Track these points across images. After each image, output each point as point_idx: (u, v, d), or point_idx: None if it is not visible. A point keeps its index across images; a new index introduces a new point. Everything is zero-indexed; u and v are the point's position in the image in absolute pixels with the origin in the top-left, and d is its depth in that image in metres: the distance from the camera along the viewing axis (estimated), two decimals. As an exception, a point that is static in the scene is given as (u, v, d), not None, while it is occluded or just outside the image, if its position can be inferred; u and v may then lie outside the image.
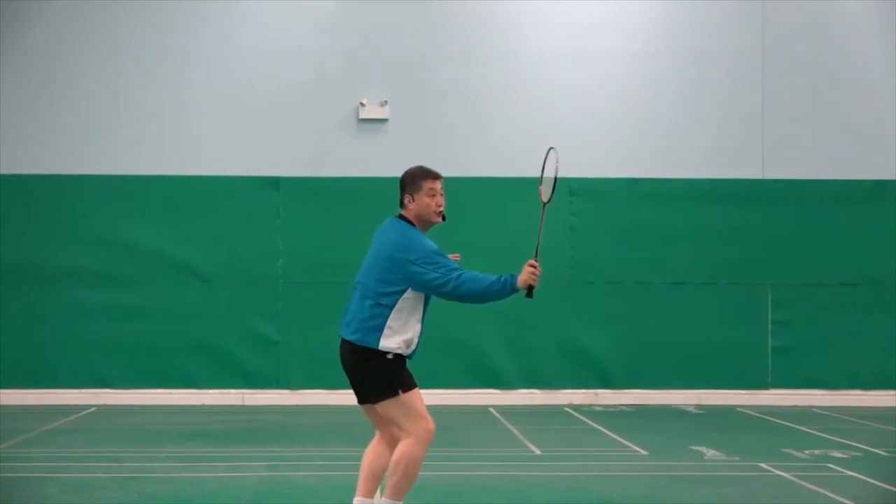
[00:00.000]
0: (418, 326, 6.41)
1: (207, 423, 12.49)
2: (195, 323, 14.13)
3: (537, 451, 10.50)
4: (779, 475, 9.21)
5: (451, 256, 6.45)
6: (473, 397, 14.17)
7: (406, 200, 6.52)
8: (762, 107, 14.67)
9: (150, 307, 14.10)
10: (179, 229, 14.21)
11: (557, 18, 14.63)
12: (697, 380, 14.40)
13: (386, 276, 6.34)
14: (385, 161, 13.97)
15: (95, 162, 14.25)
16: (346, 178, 14.30)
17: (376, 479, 6.54)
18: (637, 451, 10.48)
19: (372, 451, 6.56)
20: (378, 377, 6.33)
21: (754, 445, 10.80)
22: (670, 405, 14.18)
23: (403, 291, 6.33)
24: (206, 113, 14.42)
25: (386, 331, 6.30)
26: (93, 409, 13.58)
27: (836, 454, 10.27)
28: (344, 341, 6.42)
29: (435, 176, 6.54)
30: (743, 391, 14.43)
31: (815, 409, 13.92)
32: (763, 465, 9.69)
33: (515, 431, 11.80)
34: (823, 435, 11.55)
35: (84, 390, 14.01)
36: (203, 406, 13.91)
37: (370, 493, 6.51)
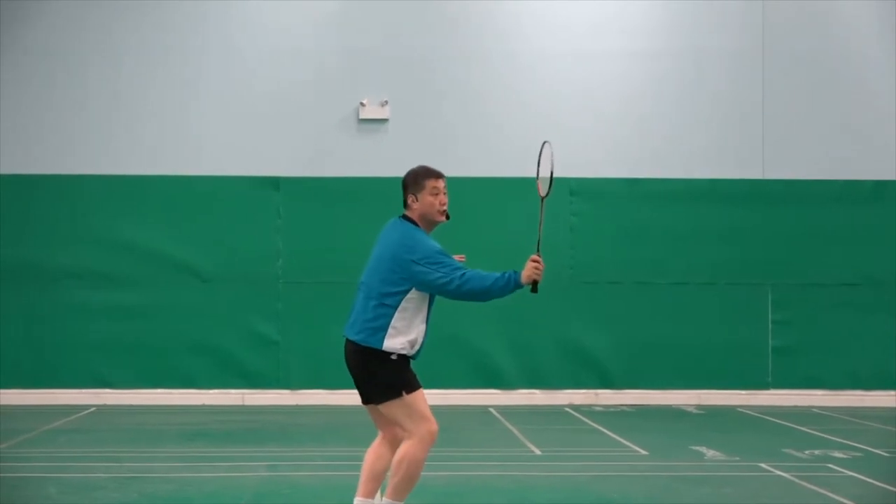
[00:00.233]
0: (422, 327, 6.41)
1: (207, 423, 12.49)
2: (195, 323, 14.13)
3: (537, 451, 10.50)
4: (779, 475, 9.21)
5: (455, 257, 6.45)
6: (474, 397, 14.17)
7: (409, 200, 6.52)
8: (762, 107, 14.67)
9: (150, 307, 14.10)
10: (179, 229, 14.21)
11: (557, 18, 14.63)
12: (698, 380, 14.40)
13: (390, 277, 6.34)
14: (385, 161, 13.98)
15: (95, 162, 14.25)
16: (346, 178, 14.30)
17: (377, 480, 6.54)
18: (637, 452, 10.48)
19: (374, 452, 6.55)
20: (382, 378, 6.33)
21: (754, 445, 10.80)
22: (670, 405, 14.18)
23: (407, 292, 6.32)
24: (206, 113, 14.42)
25: (390, 331, 6.30)
26: (93, 409, 13.58)
27: (837, 454, 10.26)
28: (348, 341, 6.41)
29: (437, 175, 6.53)
30: (743, 391, 14.42)
31: (815, 410, 13.91)
32: (763, 465, 9.69)
33: (516, 431, 11.79)
34: (824, 435, 11.55)
35: (84, 390, 14.01)
36: (203, 406, 13.91)
37: (371, 494, 6.51)
